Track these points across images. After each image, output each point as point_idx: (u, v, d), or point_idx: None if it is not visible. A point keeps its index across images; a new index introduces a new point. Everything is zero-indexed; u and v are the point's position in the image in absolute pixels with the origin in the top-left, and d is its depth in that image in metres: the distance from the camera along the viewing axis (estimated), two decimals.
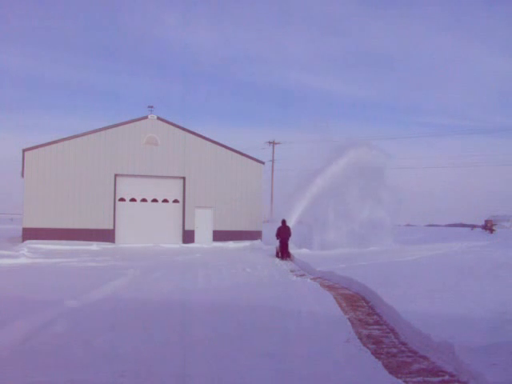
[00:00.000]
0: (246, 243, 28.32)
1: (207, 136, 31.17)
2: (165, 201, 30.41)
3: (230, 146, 31.60)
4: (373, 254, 19.75)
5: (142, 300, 10.09)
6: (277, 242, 22.30)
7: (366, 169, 27.30)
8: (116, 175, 29.23)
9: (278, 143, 49.95)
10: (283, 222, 22.90)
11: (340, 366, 5.91)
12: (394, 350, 6.71)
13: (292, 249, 22.53)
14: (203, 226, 30.38)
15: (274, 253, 22.46)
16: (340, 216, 25.91)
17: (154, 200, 30.20)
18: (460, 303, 8.78)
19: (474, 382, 5.22)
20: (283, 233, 22.11)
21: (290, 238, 22.34)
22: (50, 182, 28.06)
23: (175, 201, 30.51)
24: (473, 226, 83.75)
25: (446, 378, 5.54)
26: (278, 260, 20.85)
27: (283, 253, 21.63)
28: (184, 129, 30.69)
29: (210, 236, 30.45)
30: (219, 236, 30.11)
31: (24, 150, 28.03)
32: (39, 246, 24.14)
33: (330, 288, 12.15)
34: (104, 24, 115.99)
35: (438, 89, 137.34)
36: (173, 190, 30.38)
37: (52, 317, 8.02)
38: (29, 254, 19.93)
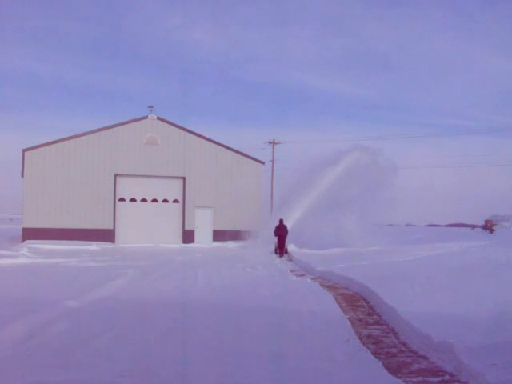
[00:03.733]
0: (246, 243, 28.32)
1: (207, 136, 31.21)
2: (165, 201, 30.41)
3: (230, 145, 31.65)
4: (373, 254, 19.74)
5: (141, 300, 10.09)
6: (275, 240, 23.43)
7: (365, 171, 28.01)
8: (116, 175, 29.22)
9: (278, 143, 49.86)
10: (281, 220, 24.01)
11: (340, 365, 5.91)
12: (394, 350, 6.71)
13: (292, 249, 23.13)
14: (203, 225, 30.38)
15: (273, 249, 23.56)
16: (338, 217, 26.45)
17: (154, 200, 30.21)
18: (460, 303, 8.78)
19: (473, 381, 5.22)
20: (280, 231, 23.31)
21: (288, 237, 23.44)
22: (50, 181, 28.06)
23: (175, 201, 30.51)
24: (473, 226, 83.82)
25: (446, 377, 5.54)
26: (278, 260, 20.93)
27: (281, 250, 22.88)
28: (184, 129, 30.69)
29: (210, 236, 30.45)
30: (219, 236, 30.11)
31: (24, 150, 28.02)
32: (39, 245, 24.12)
33: (330, 288, 12.14)
34: (104, 24, 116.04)
35: (438, 89, 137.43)
36: (173, 189, 30.38)
37: (52, 317, 8.02)
38: (29, 253, 19.92)
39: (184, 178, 30.27)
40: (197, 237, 30.18)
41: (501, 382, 4.95)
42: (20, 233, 28.96)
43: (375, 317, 8.88)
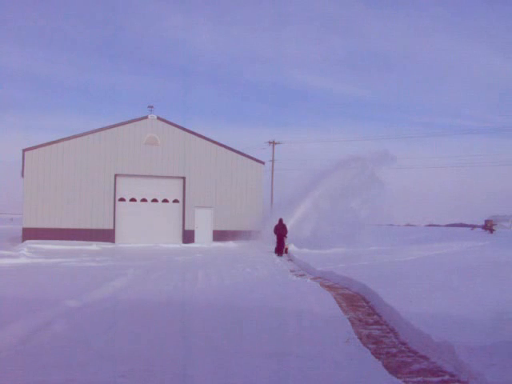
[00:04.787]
0: (246, 243, 28.36)
1: (207, 136, 31.21)
2: (165, 201, 30.41)
3: (230, 146, 31.66)
4: (372, 254, 19.75)
5: (141, 300, 10.09)
6: (275, 239, 23.75)
7: (360, 178, 29.03)
8: (116, 175, 29.22)
9: (278, 143, 49.91)
10: (280, 220, 24.24)
11: (340, 366, 5.91)
12: (394, 350, 6.71)
13: (293, 249, 23.36)
14: (203, 225, 30.38)
15: (273, 249, 23.82)
16: (338, 217, 27.08)
17: (154, 200, 30.20)
18: (460, 303, 8.78)
19: (473, 381, 5.22)
20: (279, 230, 23.60)
21: (288, 236, 23.87)
22: (49, 181, 28.06)
23: (175, 201, 30.51)
24: (473, 226, 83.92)
25: (446, 377, 5.54)
26: (278, 260, 20.95)
27: (279, 249, 23.27)
28: (184, 129, 30.69)
29: (210, 236, 30.45)
30: (219, 236, 30.11)
31: (24, 150, 28.02)
32: (39, 245, 24.12)
33: (330, 288, 12.14)
34: (104, 24, 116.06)
35: (438, 89, 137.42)
36: (173, 189, 30.37)
37: (52, 317, 8.01)
38: (29, 253, 19.92)
39: (184, 178, 30.27)
40: (197, 237, 30.18)
41: (500, 382, 4.95)
42: (20, 233, 28.95)
43: (375, 317, 8.89)
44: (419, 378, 5.55)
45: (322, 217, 28.04)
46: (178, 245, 28.46)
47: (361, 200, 28.65)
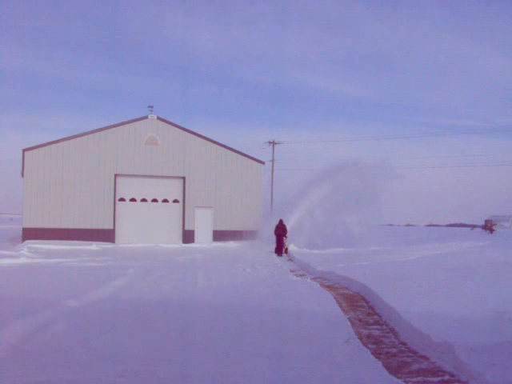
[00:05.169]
0: (246, 243, 28.37)
1: (207, 136, 31.21)
2: (165, 201, 30.40)
3: (230, 146, 31.66)
4: (372, 254, 19.75)
5: (141, 300, 10.09)
6: (274, 238, 23.92)
7: (359, 180, 29.11)
8: (116, 175, 29.22)
9: (278, 143, 49.90)
10: (280, 220, 24.39)
11: (340, 366, 5.91)
12: (394, 350, 6.71)
13: (293, 249, 23.44)
14: (203, 225, 30.38)
15: (273, 249, 23.95)
16: (338, 217, 27.20)
17: (154, 200, 30.20)
18: (460, 303, 8.78)
19: (473, 381, 5.22)
20: (279, 230, 23.80)
21: (288, 236, 24.07)
22: (49, 181, 28.06)
23: (175, 201, 30.51)
24: (473, 226, 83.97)
25: (446, 377, 5.54)
26: (278, 260, 20.96)
27: (279, 249, 23.40)
28: (184, 129, 30.69)
29: (210, 236, 30.46)
30: (219, 236, 30.11)
31: (24, 150, 28.02)
32: (39, 246, 24.11)
33: (330, 288, 12.14)
34: (104, 23, 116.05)
35: (438, 89, 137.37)
36: (173, 190, 30.37)
37: (52, 317, 8.02)
38: (29, 253, 19.92)
39: (184, 178, 30.27)
40: (197, 237, 30.18)
41: (501, 382, 4.95)
42: (20, 233, 28.95)
43: (375, 317, 8.89)
44: (419, 378, 5.55)
45: (323, 217, 28.07)
46: (178, 245, 28.47)
47: (357, 218, 28.33)
